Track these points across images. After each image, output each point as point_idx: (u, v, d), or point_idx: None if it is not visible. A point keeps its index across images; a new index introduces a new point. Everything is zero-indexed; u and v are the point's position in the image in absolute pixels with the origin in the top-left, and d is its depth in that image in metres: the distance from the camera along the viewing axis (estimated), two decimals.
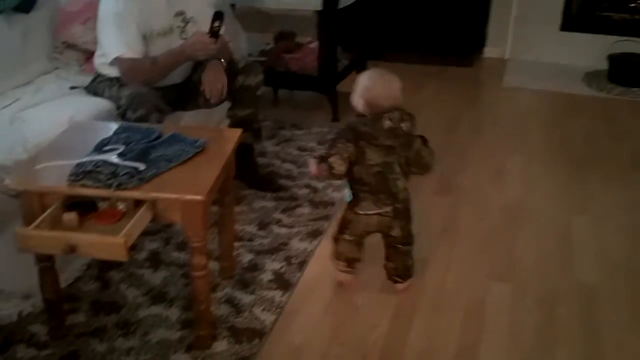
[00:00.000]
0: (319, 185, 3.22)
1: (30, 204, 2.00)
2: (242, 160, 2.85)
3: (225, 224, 2.48)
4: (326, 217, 2.97)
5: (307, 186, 3.23)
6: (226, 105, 3.10)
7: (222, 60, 2.91)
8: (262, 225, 2.90)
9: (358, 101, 2.32)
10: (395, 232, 2.40)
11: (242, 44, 3.81)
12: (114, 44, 2.76)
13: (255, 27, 5.17)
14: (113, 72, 2.85)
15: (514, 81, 4.84)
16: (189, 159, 2.12)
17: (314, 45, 4.19)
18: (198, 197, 1.94)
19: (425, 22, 5.13)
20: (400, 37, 5.19)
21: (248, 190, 3.17)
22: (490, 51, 5.40)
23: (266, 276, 2.55)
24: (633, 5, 5.02)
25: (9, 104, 2.73)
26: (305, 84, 3.96)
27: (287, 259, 2.66)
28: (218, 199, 2.38)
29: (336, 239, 2.48)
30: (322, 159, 2.29)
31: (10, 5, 2.95)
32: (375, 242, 2.48)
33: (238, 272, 2.56)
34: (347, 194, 2.39)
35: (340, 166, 2.26)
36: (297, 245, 2.76)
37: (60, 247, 1.83)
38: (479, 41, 5.37)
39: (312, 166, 2.33)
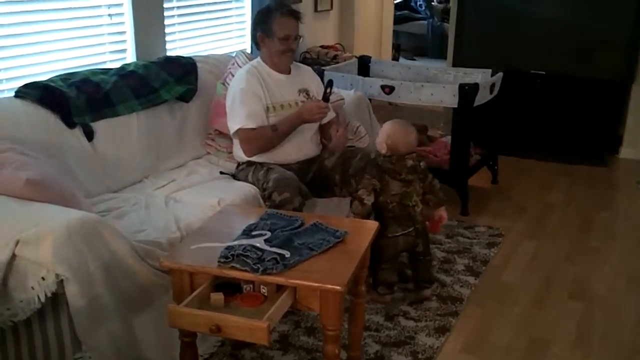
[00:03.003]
0: (447, 279, 3.23)
1: (181, 282, 2.15)
2: (371, 250, 2.93)
3: (356, 313, 2.52)
4: (454, 314, 2.95)
5: (435, 279, 3.24)
6: None
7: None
8: (389, 317, 2.92)
9: (382, 145, 2.92)
10: (419, 248, 2.99)
11: (376, 135, 3.94)
12: (238, 118, 3.02)
13: (386, 119, 5.34)
14: (253, 158, 3.07)
15: None
16: (329, 248, 2.22)
17: (446, 139, 4.27)
18: (337, 288, 2.01)
19: (558, 121, 5.12)
20: (532, 134, 5.20)
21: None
22: (626, 152, 5.25)
23: None
24: None
25: (165, 185, 2.98)
26: (437, 177, 4.00)
27: (414, 354, 2.65)
28: (351, 288, 2.44)
29: (376, 271, 2.96)
30: (353, 198, 2.89)
31: (174, 96, 3.25)
32: None
33: None
34: None
35: (367, 197, 2.84)
36: (424, 340, 2.75)
37: (207, 327, 1.95)
38: (615, 141, 5.25)
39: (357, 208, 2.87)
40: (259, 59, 3.18)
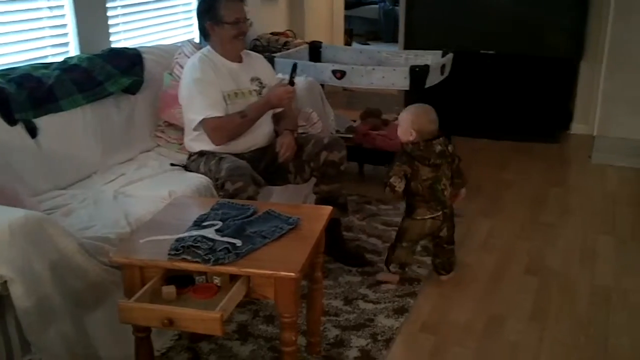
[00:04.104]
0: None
1: (132, 277, 2.11)
2: (329, 235, 2.92)
3: (314, 299, 2.51)
4: (412, 294, 2.97)
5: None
6: (312, 181, 3.20)
7: (293, 132, 3.19)
8: (348, 300, 2.92)
9: (409, 132, 2.91)
10: (443, 232, 3.02)
11: (330, 121, 3.93)
12: (199, 108, 2.96)
13: (341, 104, 5.34)
14: (201, 146, 3.04)
15: (603, 158, 4.73)
16: (282, 235, 2.20)
17: None
18: (291, 275, 2.00)
19: (510, 100, 5.18)
20: (485, 114, 5.24)
21: (334, 264, 3.21)
22: (577, 127, 5.34)
23: (352, 353, 2.55)
24: None
25: (114, 179, 2.92)
26: (391, 160, 4.02)
27: (373, 336, 2.66)
28: (308, 274, 2.43)
29: (393, 247, 3.04)
30: (384, 184, 2.90)
31: (120, 88, 3.18)
32: None
33: (324, 348, 2.58)
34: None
35: (399, 184, 2.87)
36: (383, 322, 2.76)
37: (159, 320, 1.91)
38: (565, 117, 5.33)
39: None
40: (209, 47, 3.12)
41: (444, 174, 2.95)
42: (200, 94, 2.96)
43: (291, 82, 3.06)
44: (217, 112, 2.95)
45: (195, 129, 3.01)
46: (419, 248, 3.19)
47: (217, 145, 3.01)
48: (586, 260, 3.31)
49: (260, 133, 3.13)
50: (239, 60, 3.15)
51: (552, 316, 2.82)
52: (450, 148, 2.96)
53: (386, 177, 2.92)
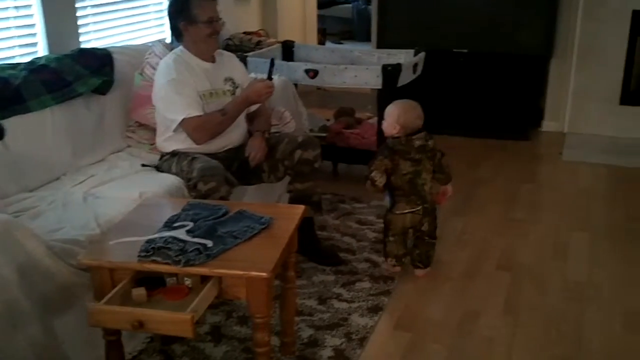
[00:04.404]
0: (379, 259, 3.23)
1: (101, 279, 2.08)
2: (303, 234, 2.91)
3: (287, 299, 2.50)
4: (387, 292, 2.97)
5: (367, 260, 3.25)
6: (286, 180, 3.18)
7: (264, 133, 3.17)
8: (322, 300, 2.91)
9: (393, 127, 2.95)
10: (425, 227, 3.05)
11: (303, 120, 3.92)
12: (178, 109, 2.92)
13: (315, 103, 5.34)
14: (173, 146, 3.02)
15: (574, 155, 4.78)
16: (254, 235, 2.18)
17: (373, 121, 4.28)
18: (263, 274, 1.99)
19: (482, 98, 5.21)
20: (457, 112, 5.27)
21: (308, 264, 3.20)
22: (548, 125, 5.38)
23: (326, 352, 2.54)
24: None
25: (84, 180, 2.88)
26: (365, 158, 4.00)
27: (347, 335, 2.65)
28: (280, 274, 2.42)
29: (384, 242, 3.10)
30: (366, 178, 2.95)
31: (89, 89, 3.14)
32: None
33: (298, 348, 2.57)
34: (388, 200, 3.06)
35: (380, 178, 2.92)
36: (358, 320, 2.75)
37: (129, 323, 1.88)
38: (536, 115, 5.38)
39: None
40: (182, 47, 3.09)
41: (425, 169, 2.98)
42: (177, 94, 2.92)
43: (269, 78, 3.04)
44: (197, 111, 2.92)
45: (175, 130, 2.97)
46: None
47: (199, 144, 2.98)
48: (559, 256, 3.34)
49: (234, 133, 3.10)
50: (213, 60, 3.12)
51: (526, 311, 2.84)
52: (431, 143, 2.99)
53: (367, 171, 2.94)
